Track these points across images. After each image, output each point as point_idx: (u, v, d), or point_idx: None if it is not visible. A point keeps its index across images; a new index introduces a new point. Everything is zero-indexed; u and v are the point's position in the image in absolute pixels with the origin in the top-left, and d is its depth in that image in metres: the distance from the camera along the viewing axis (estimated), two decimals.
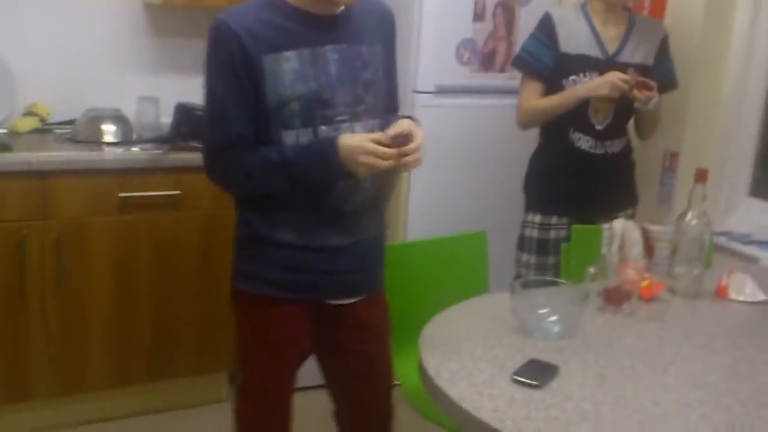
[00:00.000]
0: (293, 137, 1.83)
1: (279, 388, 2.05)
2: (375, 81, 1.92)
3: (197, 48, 3.33)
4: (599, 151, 2.64)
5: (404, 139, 1.76)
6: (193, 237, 2.94)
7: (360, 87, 1.88)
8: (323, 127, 1.83)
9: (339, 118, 1.85)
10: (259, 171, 1.84)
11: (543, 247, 2.72)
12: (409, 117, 1.91)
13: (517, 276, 2.75)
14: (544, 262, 2.72)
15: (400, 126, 1.80)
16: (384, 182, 2.01)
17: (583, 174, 2.66)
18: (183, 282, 2.97)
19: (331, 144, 1.78)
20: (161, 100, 3.10)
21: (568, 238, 2.63)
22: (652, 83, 2.48)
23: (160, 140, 2.95)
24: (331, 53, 1.84)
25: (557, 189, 2.71)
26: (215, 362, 3.06)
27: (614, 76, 2.47)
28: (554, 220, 2.71)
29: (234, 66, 1.79)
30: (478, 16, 3.23)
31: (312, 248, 1.91)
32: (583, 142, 2.64)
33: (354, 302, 2.02)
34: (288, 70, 1.80)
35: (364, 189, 1.92)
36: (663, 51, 2.69)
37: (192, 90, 3.33)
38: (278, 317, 1.97)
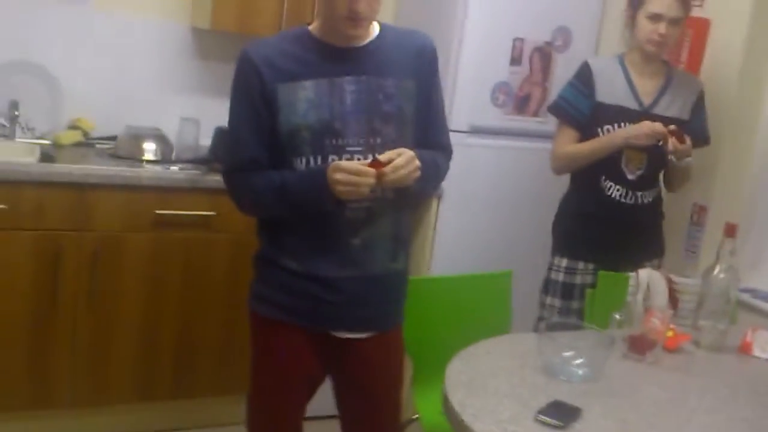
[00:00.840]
0: (304, 164, 1.89)
1: (286, 410, 2.07)
2: (399, 114, 1.94)
3: None
4: (630, 200, 2.67)
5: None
6: (223, 258, 3.00)
7: (378, 119, 1.90)
8: (333, 157, 1.87)
9: (350, 148, 1.88)
10: (263, 193, 1.92)
11: (568, 291, 2.74)
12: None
13: (541, 318, 2.77)
14: (568, 306, 2.74)
15: (395, 152, 1.84)
16: (401, 219, 2.02)
17: (613, 222, 2.69)
18: (210, 302, 3.02)
19: (322, 169, 1.84)
20: (202, 122, 3.17)
21: (593, 284, 2.65)
22: (686, 137, 2.52)
23: (198, 161, 3.02)
24: (348, 84, 1.89)
25: (586, 235, 2.74)
26: (237, 384, 3.07)
27: (646, 127, 2.51)
28: (581, 265, 2.73)
29: (251, 94, 1.88)
30: (515, 60, 3.29)
31: (312, 276, 1.94)
32: (614, 190, 2.67)
33: (361, 339, 2.02)
34: (302, 99, 1.86)
35: (377, 222, 1.94)
36: (698, 106, 2.73)
37: None
38: (282, 340, 2.01)
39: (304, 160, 1.89)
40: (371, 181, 1.80)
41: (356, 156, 1.88)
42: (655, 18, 2.56)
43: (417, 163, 1.86)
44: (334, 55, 1.90)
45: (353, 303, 1.97)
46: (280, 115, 1.87)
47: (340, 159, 1.86)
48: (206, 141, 3.12)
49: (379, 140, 1.90)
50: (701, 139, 2.72)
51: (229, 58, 3.41)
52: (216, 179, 2.90)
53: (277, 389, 2.04)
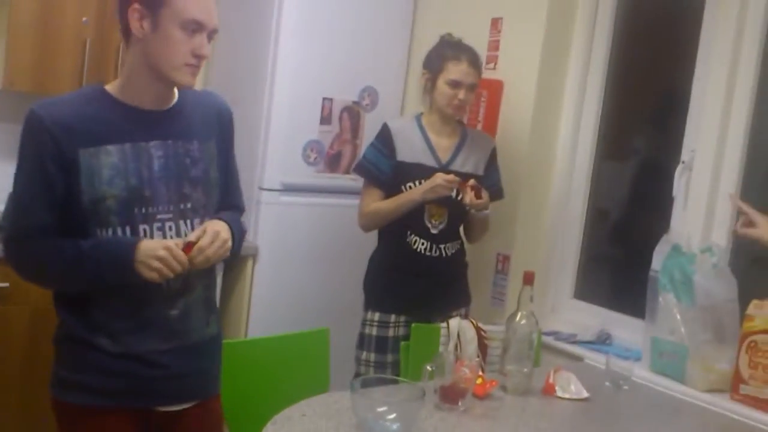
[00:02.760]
0: (111, 235, 1.77)
1: None
2: (206, 178, 1.89)
3: None
4: (434, 253, 2.77)
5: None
6: (21, 333, 2.79)
7: (186, 184, 1.84)
8: (144, 226, 1.78)
9: (161, 216, 1.80)
10: (53, 263, 1.76)
11: (382, 345, 2.78)
12: (219, 218, 1.87)
13: (357, 374, 2.77)
14: (384, 359, 2.77)
15: (201, 229, 1.79)
16: (212, 282, 1.99)
17: (420, 275, 2.77)
18: (7, 380, 2.78)
19: (129, 246, 1.74)
20: None
21: (406, 336, 2.70)
22: (484, 192, 2.66)
23: None
24: (155, 149, 1.80)
25: (395, 288, 2.80)
26: None
27: (439, 179, 2.62)
28: (393, 318, 2.78)
29: (43, 159, 1.72)
30: (325, 119, 3.36)
31: (131, 355, 1.81)
32: (419, 244, 2.76)
33: (182, 410, 1.91)
34: (106, 165, 1.74)
35: (192, 290, 1.88)
36: (491, 163, 2.89)
37: None
38: (96, 426, 1.83)
39: (110, 231, 1.76)
40: (185, 264, 1.74)
41: (167, 224, 1.81)
42: (455, 84, 2.70)
43: (224, 236, 1.81)
44: (139, 119, 1.80)
45: (174, 375, 1.87)
46: (82, 182, 1.73)
47: (151, 228, 1.78)
48: None
49: (189, 205, 1.84)
50: (496, 193, 2.87)
51: (22, 120, 3.25)
52: None
53: None
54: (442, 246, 2.78)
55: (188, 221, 1.84)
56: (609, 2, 3.08)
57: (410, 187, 2.73)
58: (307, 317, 3.15)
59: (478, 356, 2.48)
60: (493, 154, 2.89)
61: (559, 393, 2.20)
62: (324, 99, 3.33)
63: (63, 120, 1.73)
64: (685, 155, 2.78)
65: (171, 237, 1.81)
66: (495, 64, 3.18)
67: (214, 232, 1.79)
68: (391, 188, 2.77)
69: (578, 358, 2.79)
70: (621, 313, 2.96)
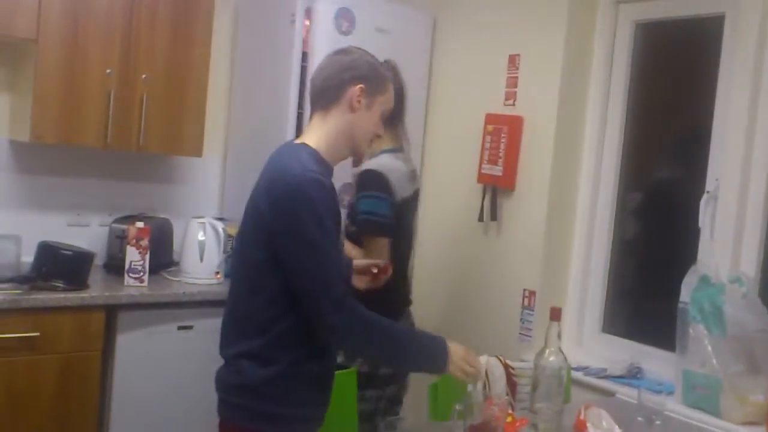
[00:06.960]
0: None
1: None
2: None
3: (65, 186, 3.31)
4: None
5: None
6: (50, 381, 2.79)
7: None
8: None
9: None
10: (401, 341, 2.00)
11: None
12: None
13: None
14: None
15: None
16: None
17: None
18: (38, 427, 2.78)
19: (444, 346, 2.04)
20: (24, 238, 3.01)
21: None
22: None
23: (20, 280, 2.84)
24: None
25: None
26: None
27: None
28: None
29: (336, 217, 1.95)
30: (357, 162, 3.35)
31: (329, 376, 2.04)
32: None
33: None
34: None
35: None
36: None
37: (57, 229, 3.27)
38: None
39: None
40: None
41: None
42: None
43: None
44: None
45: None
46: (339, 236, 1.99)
47: None
48: (28, 258, 2.96)
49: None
50: None
51: (52, 171, 3.32)
52: (39, 297, 2.75)
53: None
54: None
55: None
56: (627, 36, 3.09)
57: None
58: None
59: (507, 394, 2.45)
60: None
61: (591, 430, 2.16)
62: None
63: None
64: (709, 185, 2.76)
65: None
66: (514, 100, 3.20)
67: None
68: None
69: (609, 393, 2.75)
70: (651, 346, 2.92)
